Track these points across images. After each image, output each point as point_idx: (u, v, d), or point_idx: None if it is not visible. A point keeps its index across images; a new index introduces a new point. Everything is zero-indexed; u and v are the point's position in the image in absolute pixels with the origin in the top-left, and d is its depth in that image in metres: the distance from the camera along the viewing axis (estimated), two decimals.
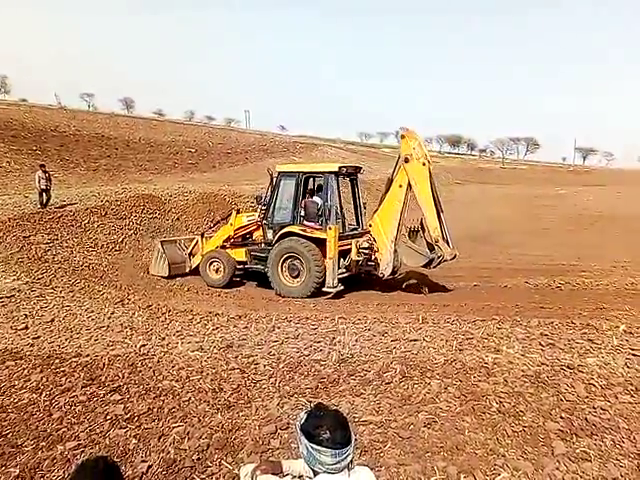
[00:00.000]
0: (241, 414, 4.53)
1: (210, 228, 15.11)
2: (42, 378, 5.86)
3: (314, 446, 1.95)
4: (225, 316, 9.35)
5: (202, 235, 13.58)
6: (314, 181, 11.94)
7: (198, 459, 3.74)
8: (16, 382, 5.80)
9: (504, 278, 13.05)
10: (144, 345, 7.48)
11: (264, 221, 12.04)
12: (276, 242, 11.47)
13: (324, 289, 10.96)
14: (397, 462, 3.60)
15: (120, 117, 54.16)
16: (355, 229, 12.27)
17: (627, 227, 23.42)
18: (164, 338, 7.94)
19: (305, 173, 11.70)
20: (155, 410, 4.70)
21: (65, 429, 4.37)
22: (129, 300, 10.31)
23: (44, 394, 5.29)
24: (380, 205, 11.48)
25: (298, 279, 11.16)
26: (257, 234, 12.49)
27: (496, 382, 5.03)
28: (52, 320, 8.86)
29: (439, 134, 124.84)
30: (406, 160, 10.81)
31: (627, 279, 11.94)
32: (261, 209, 12.23)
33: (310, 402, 4.73)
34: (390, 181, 11.29)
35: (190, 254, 13.45)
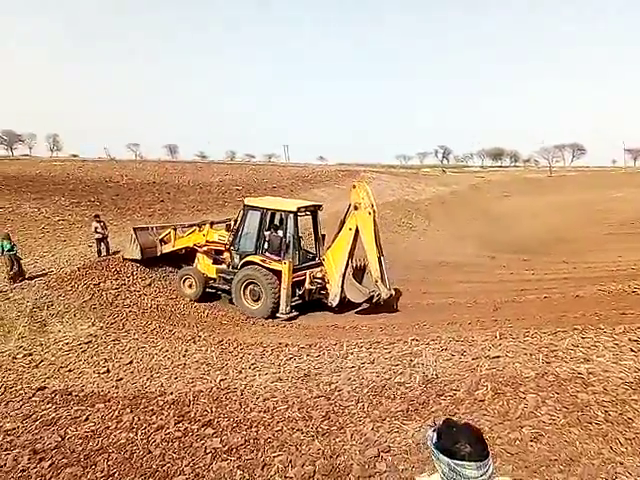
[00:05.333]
0: (337, 440, 4.50)
1: (183, 226, 15.72)
2: (133, 418, 6.03)
3: (457, 462, 1.92)
4: (295, 346, 9.41)
5: (175, 228, 14.99)
6: (277, 217, 12.97)
7: None
8: (109, 423, 5.99)
9: (574, 287, 12.59)
10: (223, 380, 7.60)
11: (231, 247, 13.23)
12: (240, 268, 12.72)
13: (277, 314, 12.18)
14: (513, 478, 3.48)
15: (167, 163, 56.41)
16: (313, 258, 13.42)
17: None
18: (241, 371, 8.05)
19: (269, 209, 12.87)
20: (251, 441, 4.74)
21: (169, 465, 4.46)
22: (200, 337, 10.53)
23: (139, 433, 5.43)
24: (332, 243, 12.81)
25: (258, 302, 12.40)
26: (226, 255, 13.59)
27: (595, 391, 4.82)
28: (131, 362, 9.15)
29: (480, 149, 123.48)
30: (356, 207, 12.15)
31: None
32: (230, 234, 13.33)
33: (435, 421, 4.68)
34: (342, 223, 12.58)
35: (161, 240, 14.81)
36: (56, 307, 11.75)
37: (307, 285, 12.73)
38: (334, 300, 12.50)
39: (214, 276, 13.63)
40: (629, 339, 6.57)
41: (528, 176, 65.76)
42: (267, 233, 12.80)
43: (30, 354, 9.53)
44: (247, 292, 12.56)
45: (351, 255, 12.58)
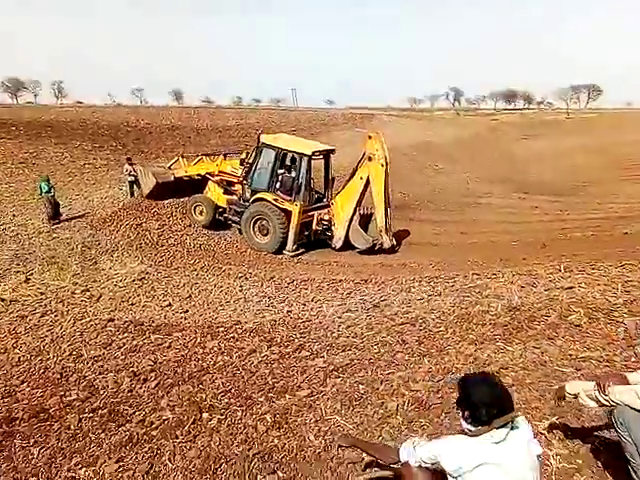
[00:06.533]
0: (445, 359, 4.58)
1: (190, 155, 16.39)
2: (218, 344, 6.16)
3: None
4: (349, 282, 9.51)
5: (182, 156, 15.69)
6: (292, 158, 13.09)
7: (440, 398, 3.84)
8: (196, 349, 6.12)
9: (618, 226, 12.52)
10: (290, 311, 7.74)
11: (244, 181, 13.50)
12: (252, 203, 13.08)
13: (284, 251, 12.71)
14: None
15: (176, 108, 55.51)
16: (321, 199, 13.78)
17: None
18: (304, 304, 8.18)
19: (283, 150, 12.97)
20: (355, 361, 4.85)
21: (284, 381, 4.59)
22: (251, 274, 10.65)
23: (234, 356, 5.56)
24: (342, 189, 13.17)
25: (266, 237, 12.89)
26: (237, 187, 13.93)
27: None
28: (190, 296, 9.31)
29: (492, 91, 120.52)
30: (369, 158, 12.37)
31: None
32: (244, 169, 13.49)
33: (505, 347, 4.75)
34: (354, 171, 12.88)
35: (169, 167, 15.45)
36: (104, 246, 11.87)
37: (314, 226, 13.28)
38: (338, 243, 13.00)
39: (224, 205, 14.09)
40: None
41: (546, 118, 64.27)
42: (280, 172, 13.04)
43: (87, 290, 9.64)
44: (256, 226, 13.04)
45: (359, 203, 12.96)
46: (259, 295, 9.05)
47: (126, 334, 7.16)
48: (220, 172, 14.31)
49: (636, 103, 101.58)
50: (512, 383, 3.86)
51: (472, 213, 17.64)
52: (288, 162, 13.19)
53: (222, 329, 6.87)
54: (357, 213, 12.91)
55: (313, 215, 13.22)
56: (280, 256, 12.64)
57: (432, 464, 2.27)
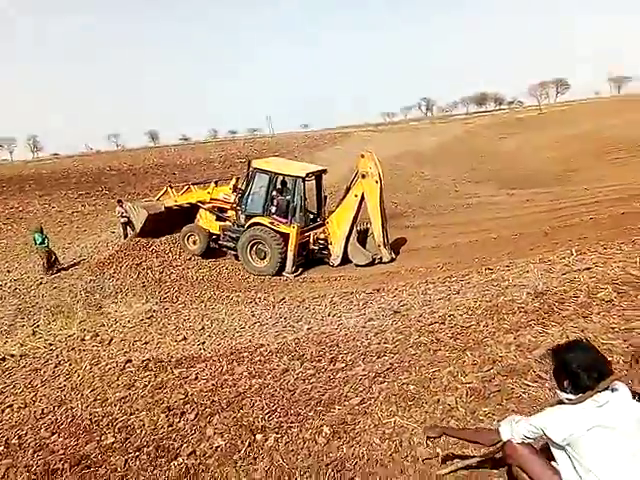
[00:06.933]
0: (487, 350, 4.50)
1: (178, 185, 16.47)
2: (247, 368, 6.04)
3: None
4: (361, 293, 9.46)
5: (170, 186, 15.63)
6: (284, 181, 13.25)
7: (497, 386, 3.78)
8: (225, 377, 5.99)
9: (613, 208, 12.64)
10: (310, 328, 7.65)
11: (238, 207, 13.61)
12: (247, 228, 13.12)
13: (284, 273, 12.76)
14: None
15: (155, 149, 55.60)
16: (315, 219, 14.00)
17: None
18: (323, 319, 8.10)
19: (277, 173, 13.13)
20: (395, 365, 4.77)
21: (329, 393, 4.49)
22: (260, 298, 10.57)
23: (267, 377, 5.44)
24: (337, 208, 13.37)
25: (264, 261, 12.97)
26: (231, 213, 14.01)
27: None
28: (203, 328, 9.17)
29: (462, 97, 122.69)
30: (363, 176, 12.59)
31: None
32: (237, 194, 13.66)
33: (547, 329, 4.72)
34: (347, 189, 13.10)
35: (158, 199, 15.43)
36: (107, 289, 11.72)
37: (311, 246, 13.38)
38: (336, 260, 13.13)
39: (218, 232, 14.08)
40: None
41: (519, 116, 65.36)
42: (274, 195, 13.14)
43: (97, 334, 9.46)
44: (253, 251, 13.09)
45: (355, 220, 13.13)
46: (274, 317, 8.95)
47: (147, 372, 7.00)
48: (212, 199, 14.35)
49: (604, 92, 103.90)
50: None
51: (465, 214, 17.77)
52: (282, 185, 13.29)
53: (246, 354, 6.75)
54: (354, 230, 13.06)
55: (309, 235, 13.33)
56: (283, 278, 12.57)
57: (535, 438, 2.25)
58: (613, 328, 4.30)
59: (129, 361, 7.65)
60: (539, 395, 3.49)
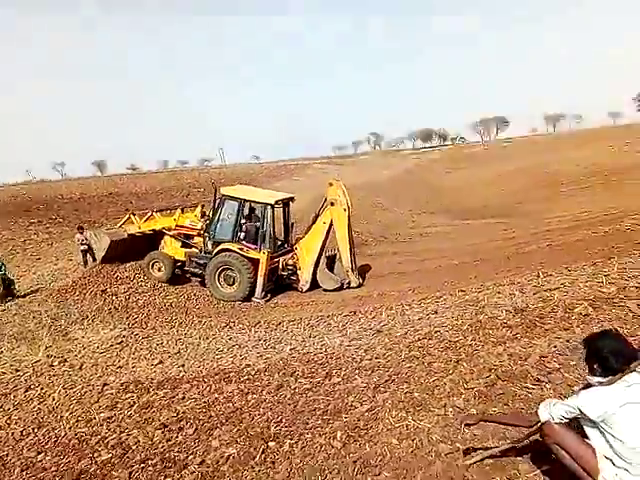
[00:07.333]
0: (481, 360, 4.77)
1: (141, 212, 16.36)
2: (237, 387, 6.06)
3: None
4: (338, 316, 9.62)
5: (133, 214, 15.44)
6: (252, 207, 13.52)
7: (500, 389, 4.02)
8: (215, 395, 5.99)
9: (564, 236, 13.42)
10: (293, 348, 7.72)
11: (206, 233, 13.64)
12: (215, 254, 13.21)
13: (253, 299, 12.88)
14: None
15: (104, 178, 54.42)
16: (282, 245, 14.28)
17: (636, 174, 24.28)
18: (304, 340, 8.19)
19: (247, 200, 13.37)
20: (392, 377, 4.95)
21: (332, 404, 4.60)
22: (234, 323, 10.56)
23: (263, 393, 5.50)
24: (305, 234, 13.66)
25: (233, 287, 13.04)
26: (197, 240, 14.05)
27: None
28: (178, 352, 9.04)
29: (410, 132, 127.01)
30: (332, 203, 12.99)
31: None
32: (205, 221, 13.82)
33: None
34: (316, 217, 13.41)
35: (120, 226, 15.28)
36: (72, 316, 11.36)
37: (280, 271, 13.60)
38: (305, 286, 13.36)
39: (183, 259, 14.05)
40: None
41: (464, 152, 68.22)
42: (243, 222, 13.30)
43: (65, 360, 9.15)
44: (222, 277, 13.14)
45: (324, 246, 13.47)
46: (252, 340, 8.96)
47: (129, 394, 6.87)
48: (178, 226, 14.31)
49: (541, 129, 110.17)
50: (558, 367, 4.13)
51: (425, 242, 18.38)
52: (250, 212, 13.48)
53: (233, 373, 6.76)
54: (323, 256, 13.34)
55: (278, 261, 13.51)
56: (254, 303, 12.59)
57: (571, 417, 2.50)
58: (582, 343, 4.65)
59: (106, 384, 7.48)
60: (544, 395, 3.76)
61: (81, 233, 15.52)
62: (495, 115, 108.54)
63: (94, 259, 15.20)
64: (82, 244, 15.36)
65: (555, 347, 4.64)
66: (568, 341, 4.76)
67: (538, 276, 8.23)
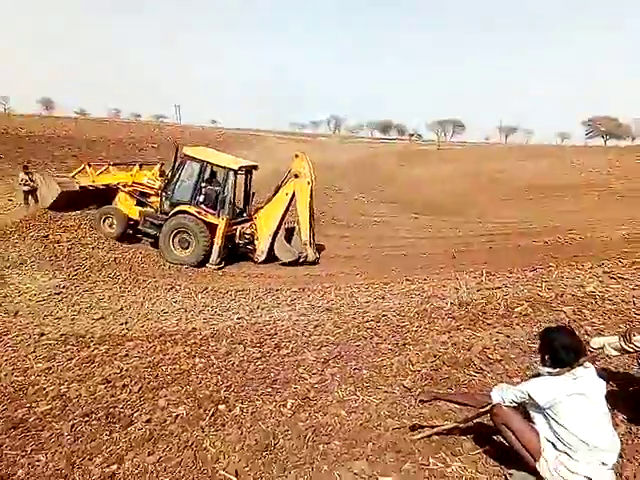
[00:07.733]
0: (428, 347, 5.02)
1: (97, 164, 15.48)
2: (184, 349, 6.07)
3: None
4: (286, 290, 9.77)
5: (89, 164, 14.61)
6: (214, 171, 13.24)
7: (445, 374, 4.25)
8: (160, 356, 5.97)
9: (508, 241, 14.04)
10: (240, 318, 7.79)
11: (163, 193, 13.27)
12: (172, 216, 12.85)
13: (207, 264, 12.67)
14: None
15: (51, 118, 51.69)
16: (241, 214, 14.02)
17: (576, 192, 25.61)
18: (252, 311, 8.28)
19: (210, 163, 13.06)
20: (342, 354, 5.12)
21: (282, 375, 4.71)
22: (180, 286, 10.46)
23: (212, 357, 5.55)
24: (266, 204, 13.59)
25: (187, 250, 12.75)
26: (154, 199, 13.64)
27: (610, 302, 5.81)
28: (121, 309, 8.93)
29: (370, 121, 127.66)
30: (296, 175, 12.99)
31: (615, 231, 13.08)
32: (163, 180, 13.47)
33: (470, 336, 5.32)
34: (278, 187, 13.35)
35: (73, 176, 14.32)
36: (9, 259, 10.88)
37: (237, 240, 13.42)
38: (261, 256, 13.27)
39: (136, 217, 13.63)
40: (603, 272, 7.76)
41: (419, 148, 69.30)
42: (203, 185, 13.01)
43: (0, 304, 8.86)
44: (176, 239, 12.84)
45: (283, 218, 13.43)
46: (198, 305, 8.96)
47: (68, 347, 6.76)
48: (135, 183, 13.83)
49: (493, 138, 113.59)
50: (500, 359, 4.41)
51: (374, 230, 18.70)
52: (211, 176, 13.16)
53: (179, 336, 6.76)
54: (282, 228, 13.29)
55: (236, 229, 13.31)
56: (202, 269, 12.47)
57: (521, 402, 2.77)
58: (535, 336, 4.98)
59: (43, 334, 7.32)
60: (486, 382, 4.03)
61: (26, 173, 14.82)
62: (452, 118, 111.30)
63: (36, 201, 14.57)
64: (25, 184, 14.71)
65: (497, 340, 4.94)
66: (509, 336, 5.07)
67: (482, 274, 8.67)
